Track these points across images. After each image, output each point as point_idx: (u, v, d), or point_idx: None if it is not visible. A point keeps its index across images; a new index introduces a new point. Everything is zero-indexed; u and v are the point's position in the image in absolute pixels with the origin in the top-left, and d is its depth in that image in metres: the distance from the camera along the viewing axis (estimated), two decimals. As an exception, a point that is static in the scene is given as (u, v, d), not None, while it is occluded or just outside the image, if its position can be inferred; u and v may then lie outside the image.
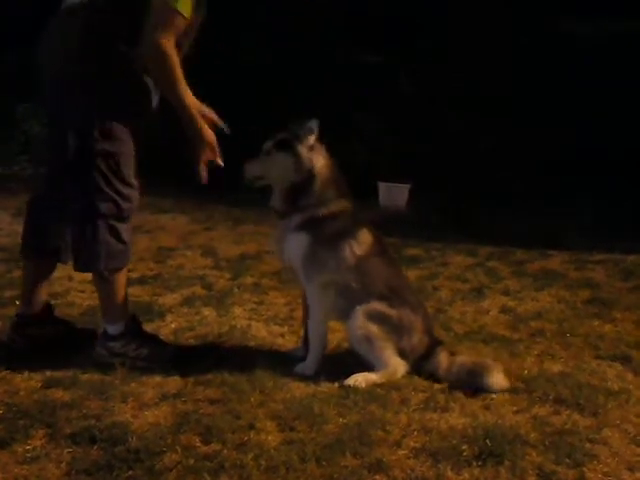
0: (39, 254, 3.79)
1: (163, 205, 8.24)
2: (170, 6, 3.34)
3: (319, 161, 3.58)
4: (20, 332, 3.78)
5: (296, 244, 3.57)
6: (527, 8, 8.76)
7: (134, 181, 3.56)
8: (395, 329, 3.54)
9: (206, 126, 3.53)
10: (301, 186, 3.57)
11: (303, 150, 3.55)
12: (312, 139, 3.56)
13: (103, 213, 3.49)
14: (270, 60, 9.12)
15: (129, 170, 3.52)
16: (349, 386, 3.40)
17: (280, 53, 9.20)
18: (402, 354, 3.55)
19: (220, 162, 3.57)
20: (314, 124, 3.55)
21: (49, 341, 3.78)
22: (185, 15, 3.37)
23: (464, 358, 3.59)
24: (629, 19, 8.45)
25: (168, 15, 3.35)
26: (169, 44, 3.35)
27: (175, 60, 3.38)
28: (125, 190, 3.51)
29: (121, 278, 3.61)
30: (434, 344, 3.63)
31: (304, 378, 3.49)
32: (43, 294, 3.85)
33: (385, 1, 9.19)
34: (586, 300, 4.87)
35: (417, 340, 3.58)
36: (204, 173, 3.55)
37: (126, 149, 3.50)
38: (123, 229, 3.54)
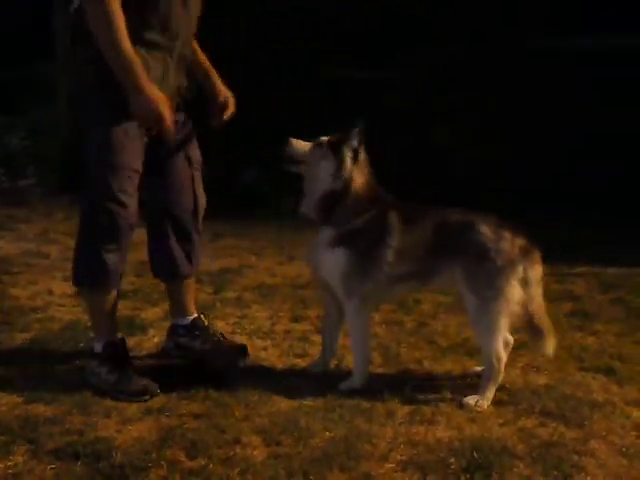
0: None
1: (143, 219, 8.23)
2: None
3: (359, 177, 3.53)
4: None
5: (333, 262, 3.52)
6: (516, 23, 8.81)
7: (125, 198, 3.37)
8: None
9: (152, 92, 3.23)
10: (335, 195, 3.52)
11: (348, 161, 3.51)
12: (360, 149, 3.53)
13: (84, 227, 3.45)
14: (255, 73, 9.09)
15: (118, 184, 3.34)
16: (467, 404, 3.37)
17: (265, 66, 9.18)
18: None
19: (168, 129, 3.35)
20: (359, 132, 3.51)
21: None
22: None
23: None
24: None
25: None
26: None
27: (112, 5, 3.12)
28: (109, 206, 3.34)
29: (102, 299, 3.53)
30: None
31: (290, 392, 3.46)
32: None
33: (369, 16, 9.19)
34: (568, 312, 4.87)
35: None
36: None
37: (118, 160, 3.34)
38: (105, 250, 3.40)
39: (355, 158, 3.52)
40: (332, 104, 8.15)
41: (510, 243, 3.47)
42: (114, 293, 3.58)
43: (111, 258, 3.43)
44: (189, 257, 3.78)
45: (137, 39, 3.27)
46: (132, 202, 3.42)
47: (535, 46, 8.68)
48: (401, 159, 8.32)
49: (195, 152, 3.69)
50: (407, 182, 7.65)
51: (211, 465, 2.78)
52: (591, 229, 7.23)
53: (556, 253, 6.33)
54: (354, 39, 8.97)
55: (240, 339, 4.21)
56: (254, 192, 8.39)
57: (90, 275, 3.47)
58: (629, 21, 8.48)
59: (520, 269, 3.46)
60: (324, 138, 3.59)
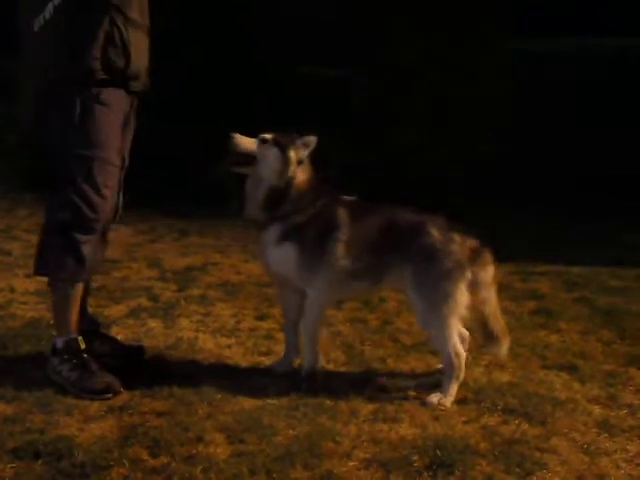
0: None
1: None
2: None
3: (300, 177, 3.57)
4: None
5: (284, 256, 3.54)
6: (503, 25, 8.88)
7: (106, 192, 3.41)
8: None
9: None
10: (278, 192, 3.54)
11: (293, 161, 3.54)
12: (305, 154, 3.57)
13: (62, 219, 3.39)
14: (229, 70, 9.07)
15: (102, 178, 3.39)
16: (430, 402, 3.38)
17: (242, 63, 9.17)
18: None
19: None
20: (312, 141, 3.58)
21: None
22: None
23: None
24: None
25: None
26: None
27: None
28: (94, 199, 3.38)
29: (72, 291, 3.48)
30: None
31: (254, 391, 3.45)
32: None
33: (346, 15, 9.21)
34: (532, 311, 4.91)
35: None
36: None
37: (104, 155, 3.39)
38: (83, 241, 3.39)
39: (299, 159, 3.57)
40: (319, 103, 8.18)
41: (459, 246, 3.49)
42: (80, 289, 3.54)
43: (88, 249, 3.42)
44: (102, 257, 3.74)
45: (126, 20, 3.35)
46: (112, 195, 3.46)
47: (531, 47, 8.74)
48: (398, 159, 8.36)
49: (127, 154, 3.65)
50: (403, 182, 7.74)
51: (174, 463, 2.77)
52: (552, 228, 7.31)
53: (519, 252, 6.43)
54: (339, 39, 8.98)
55: (204, 337, 4.19)
56: (222, 190, 8.35)
57: (64, 266, 3.42)
58: (629, 23, 8.58)
59: (468, 273, 3.48)
60: (267, 135, 3.61)
